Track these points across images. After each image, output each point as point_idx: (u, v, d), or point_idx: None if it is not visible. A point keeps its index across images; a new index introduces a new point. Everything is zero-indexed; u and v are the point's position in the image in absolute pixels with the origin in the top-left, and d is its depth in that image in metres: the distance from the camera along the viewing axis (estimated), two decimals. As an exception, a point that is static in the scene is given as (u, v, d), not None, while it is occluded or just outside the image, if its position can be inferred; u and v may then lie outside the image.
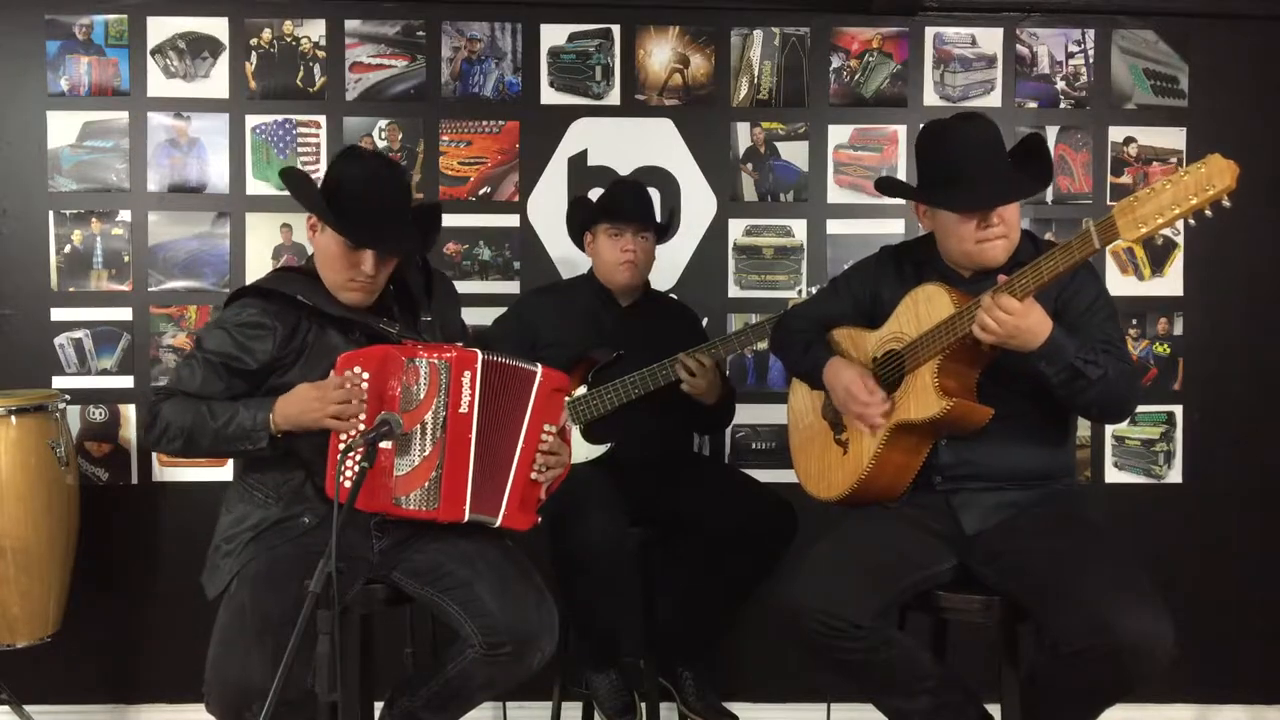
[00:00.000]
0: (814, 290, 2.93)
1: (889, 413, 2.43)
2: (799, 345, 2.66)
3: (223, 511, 2.45)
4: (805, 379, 2.69)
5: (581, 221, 3.10)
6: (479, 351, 2.35)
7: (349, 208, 2.35)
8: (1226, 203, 2.06)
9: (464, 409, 2.32)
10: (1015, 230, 2.42)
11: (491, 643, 2.25)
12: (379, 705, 2.51)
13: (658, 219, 3.10)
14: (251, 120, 3.43)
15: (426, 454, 2.30)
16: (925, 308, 2.42)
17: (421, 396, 2.30)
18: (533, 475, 2.41)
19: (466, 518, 2.34)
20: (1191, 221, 2.10)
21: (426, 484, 2.30)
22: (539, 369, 2.41)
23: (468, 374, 2.32)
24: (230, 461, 3.35)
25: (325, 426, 2.28)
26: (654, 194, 3.19)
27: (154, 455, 3.42)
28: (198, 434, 2.32)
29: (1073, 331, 2.32)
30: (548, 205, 3.44)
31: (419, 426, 2.30)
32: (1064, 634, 2.12)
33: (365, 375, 2.28)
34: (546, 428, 2.42)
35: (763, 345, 3.25)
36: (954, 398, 2.34)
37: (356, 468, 2.17)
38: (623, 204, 3.04)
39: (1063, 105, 3.50)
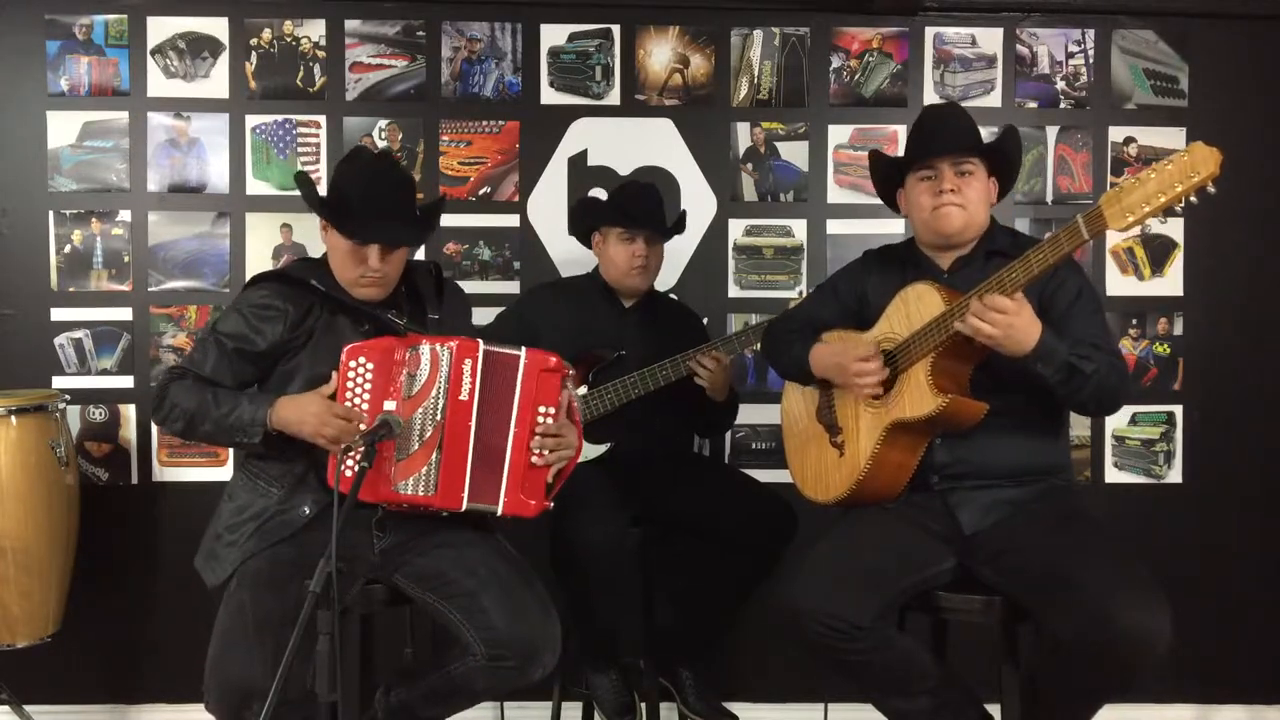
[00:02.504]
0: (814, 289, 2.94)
1: (887, 402, 2.43)
2: (786, 347, 2.67)
3: (225, 499, 2.46)
4: (796, 376, 2.69)
5: (591, 222, 3.10)
6: (480, 341, 2.38)
7: (349, 205, 2.40)
8: (1211, 189, 2.08)
9: (464, 396, 2.34)
10: (974, 205, 2.47)
11: (495, 655, 2.26)
12: (379, 705, 2.51)
13: (669, 223, 3.09)
14: (251, 120, 3.43)
15: (426, 439, 2.32)
16: (916, 306, 2.43)
17: (423, 382, 2.33)
18: (532, 459, 2.40)
19: (465, 506, 2.34)
20: (1179, 209, 2.12)
21: (425, 469, 2.32)
22: (522, 351, 2.41)
23: (469, 362, 2.34)
24: (230, 461, 3.37)
25: (315, 443, 2.31)
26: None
27: (154, 455, 3.42)
28: (199, 419, 2.36)
29: (1059, 325, 2.34)
30: (548, 205, 3.45)
31: (420, 412, 2.32)
32: (1063, 628, 2.13)
33: (369, 382, 2.31)
34: (542, 409, 2.41)
35: (762, 346, 3.25)
36: (948, 394, 2.34)
37: (356, 467, 2.18)
38: (638, 209, 3.03)
39: (1063, 105, 3.50)
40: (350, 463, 2.25)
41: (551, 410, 2.42)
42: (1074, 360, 2.26)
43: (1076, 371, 2.26)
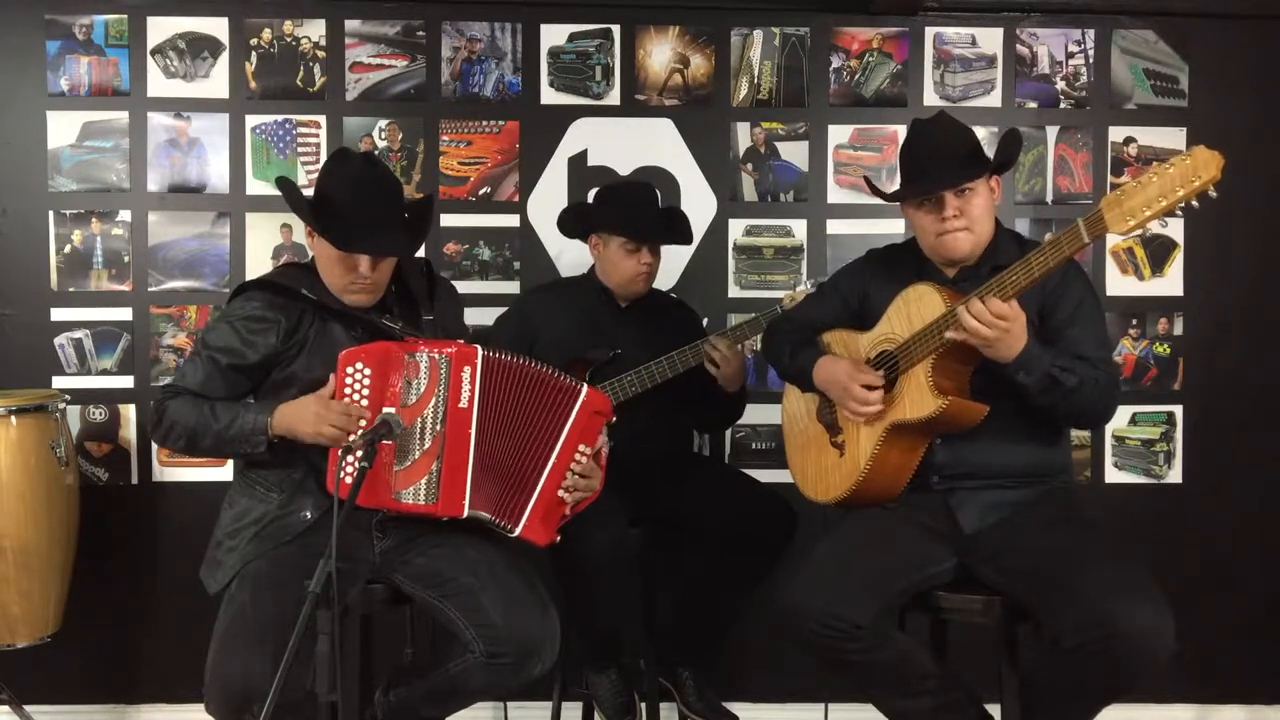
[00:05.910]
0: (812, 286, 2.94)
1: (887, 403, 2.43)
2: (788, 348, 2.67)
3: (225, 506, 2.45)
4: (796, 381, 2.69)
5: (589, 226, 3.08)
6: (479, 347, 2.36)
7: (337, 212, 2.35)
8: (1213, 193, 2.07)
9: (464, 404, 2.32)
10: (980, 224, 2.43)
11: (493, 652, 2.26)
12: (378, 705, 2.51)
13: (670, 225, 3.07)
14: (251, 120, 3.43)
15: (426, 448, 2.31)
16: (917, 307, 2.43)
17: (421, 391, 2.32)
18: (560, 493, 2.41)
19: (466, 513, 2.34)
20: (1179, 213, 2.11)
21: (426, 478, 2.31)
22: (584, 388, 2.41)
23: (467, 369, 2.33)
24: (230, 461, 3.36)
25: (318, 442, 2.29)
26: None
27: (154, 455, 3.42)
28: (200, 434, 2.34)
29: (1057, 332, 2.33)
30: (548, 205, 3.44)
31: (419, 421, 2.31)
32: (1064, 629, 2.13)
33: (367, 387, 2.29)
34: (581, 448, 2.42)
35: (762, 344, 3.24)
36: (949, 396, 2.34)
37: (356, 467, 2.17)
38: (644, 219, 3.01)
39: (1063, 105, 3.50)
40: (350, 464, 2.24)
41: (589, 450, 2.43)
42: (1055, 372, 2.26)
43: (1056, 384, 2.26)
